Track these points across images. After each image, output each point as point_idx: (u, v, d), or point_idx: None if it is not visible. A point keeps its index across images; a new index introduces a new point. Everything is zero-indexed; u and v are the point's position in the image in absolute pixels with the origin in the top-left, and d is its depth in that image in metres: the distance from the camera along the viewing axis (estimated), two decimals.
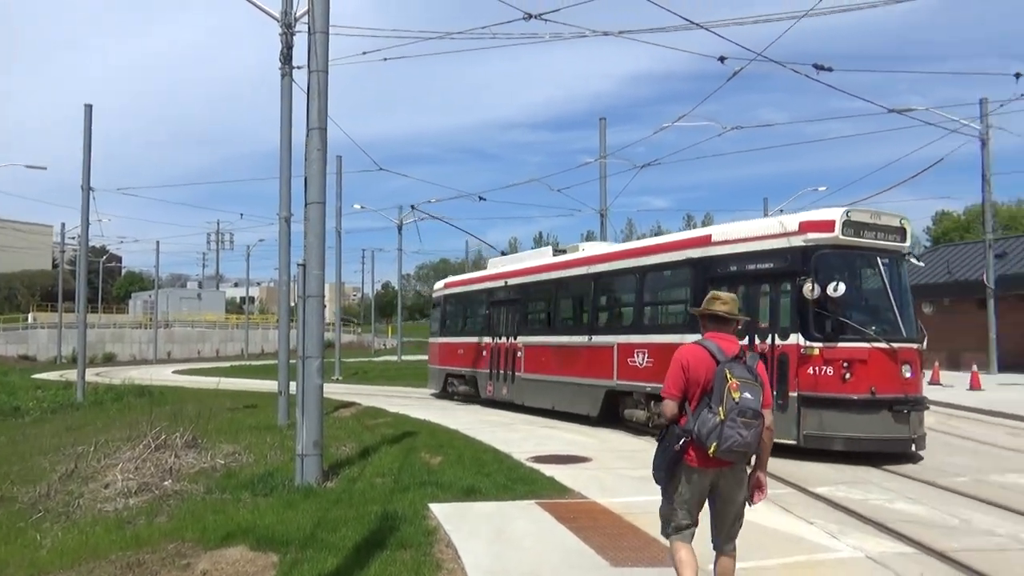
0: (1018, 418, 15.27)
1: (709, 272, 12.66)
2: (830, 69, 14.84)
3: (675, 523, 4.50)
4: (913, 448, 10.83)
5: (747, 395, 4.24)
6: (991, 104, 23.63)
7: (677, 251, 13.64)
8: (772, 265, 11.78)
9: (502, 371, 19.35)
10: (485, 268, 22.77)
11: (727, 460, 4.31)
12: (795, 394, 11.10)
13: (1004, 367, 26.87)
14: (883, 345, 10.84)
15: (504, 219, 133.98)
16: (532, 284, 18.44)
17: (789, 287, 11.59)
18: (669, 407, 4.47)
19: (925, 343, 11.51)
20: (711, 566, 4.69)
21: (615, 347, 14.78)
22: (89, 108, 23.63)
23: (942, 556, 6.20)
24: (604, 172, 26.33)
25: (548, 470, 9.91)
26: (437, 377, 23.26)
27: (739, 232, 12.47)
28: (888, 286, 11.41)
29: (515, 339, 18.80)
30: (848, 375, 10.80)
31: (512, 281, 19.38)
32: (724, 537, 4.56)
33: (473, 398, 20.92)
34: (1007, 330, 27.35)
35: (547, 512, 7.63)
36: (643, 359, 13.99)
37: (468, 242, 71.33)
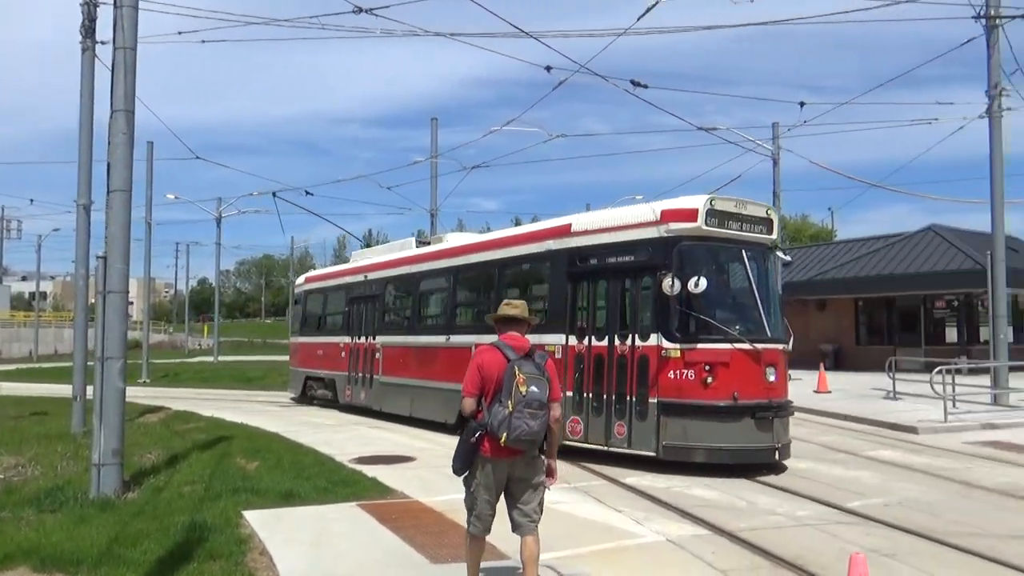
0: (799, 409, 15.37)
1: (570, 265, 11.47)
2: (646, 86, 15.51)
3: (476, 511, 4.89)
4: (777, 457, 9.97)
5: (533, 388, 4.71)
6: (781, 128, 25.40)
7: (536, 242, 12.39)
8: (632, 258, 10.69)
9: (361, 374, 17.71)
10: (348, 262, 21.02)
11: (518, 448, 4.73)
12: (655, 400, 10.05)
13: (790, 365, 27.70)
14: (746, 346, 9.92)
15: (333, 216, 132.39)
16: (391, 279, 16.86)
17: (650, 282, 10.55)
18: (468, 404, 4.87)
19: (791, 343, 10.71)
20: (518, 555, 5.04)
21: (473, 348, 13.44)
22: None
23: (731, 536, 6.90)
24: (435, 172, 26.79)
25: (371, 471, 9.68)
26: (297, 380, 21.32)
27: (599, 221, 11.32)
28: (753, 282, 10.52)
29: (374, 339, 17.20)
30: (710, 379, 9.83)
31: (371, 276, 17.73)
32: (525, 522, 4.89)
33: (333, 403, 19.16)
34: (793, 331, 28.53)
35: (368, 513, 7.57)
36: None
37: (293, 238, 67.51)
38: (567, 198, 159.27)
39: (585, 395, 10.99)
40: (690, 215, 10.26)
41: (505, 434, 4.63)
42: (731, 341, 9.89)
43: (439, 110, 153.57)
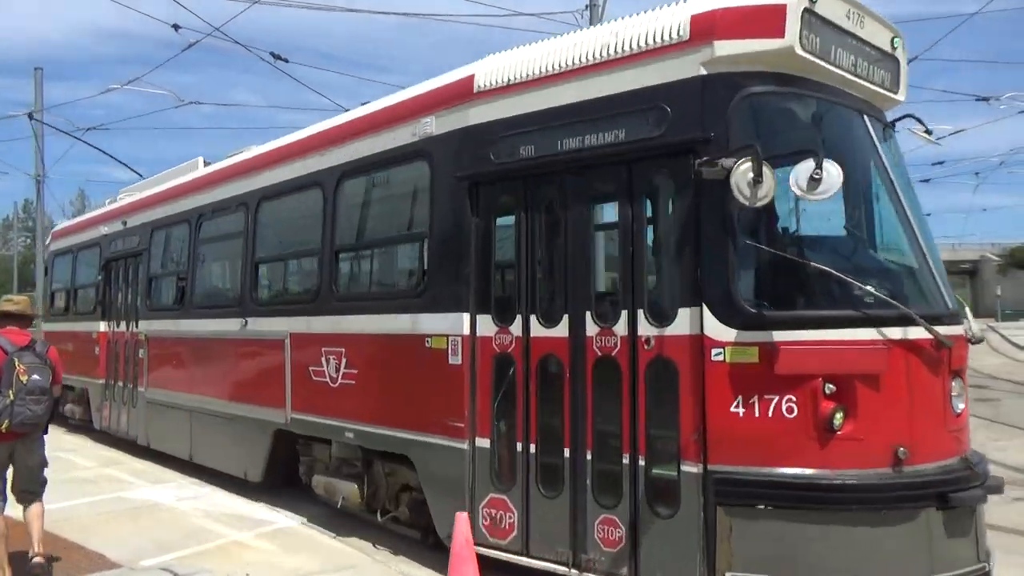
0: None
1: (474, 165, 5.33)
2: (286, 60, 13.96)
3: None
4: None
5: (36, 377, 5.08)
6: None
7: (400, 125, 6.03)
8: (621, 136, 4.61)
9: (121, 383, 10.83)
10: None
11: (21, 432, 5.08)
12: (697, 470, 4.15)
13: None
14: (915, 334, 4.14)
15: None
16: (160, 224, 10.00)
17: (668, 191, 4.61)
18: None
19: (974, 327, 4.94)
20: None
21: (288, 340, 7.05)
22: None
23: None
24: (41, 132, 22.52)
25: None
26: None
27: (539, 63, 5.12)
28: (897, 190, 4.73)
29: (137, 326, 10.34)
30: (838, 416, 3.98)
31: (134, 220, 10.77)
32: (28, 493, 5.31)
33: (88, 426, 12.14)
34: None
35: None
36: (340, 367, 6.42)
37: None
38: None
39: (517, 447, 4.97)
40: (770, 23, 4.29)
41: (8, 421, 4.95)
42: (879, 323, 4.09)
43: (50, 60, 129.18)
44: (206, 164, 9.85)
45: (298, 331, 6.97)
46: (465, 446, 5.24)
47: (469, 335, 5.29)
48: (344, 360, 6.36)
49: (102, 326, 11.49)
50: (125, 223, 10.94)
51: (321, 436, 6.78)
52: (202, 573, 5.32)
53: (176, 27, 13.19)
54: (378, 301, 6.19)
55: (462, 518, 4.51)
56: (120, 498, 7.76)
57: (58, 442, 11.30)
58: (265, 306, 7.68)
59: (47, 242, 15.29)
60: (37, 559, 5.09)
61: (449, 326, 5.39)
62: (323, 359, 6.58)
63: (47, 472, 5.47)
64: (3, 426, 4.92)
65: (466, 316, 5.31)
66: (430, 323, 5.55)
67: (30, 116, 16.48)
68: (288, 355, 7.06)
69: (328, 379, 6.53)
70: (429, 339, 5.54)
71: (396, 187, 6.34)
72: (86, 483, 8.47)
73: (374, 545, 6.27)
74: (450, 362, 5.36)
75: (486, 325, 5.24)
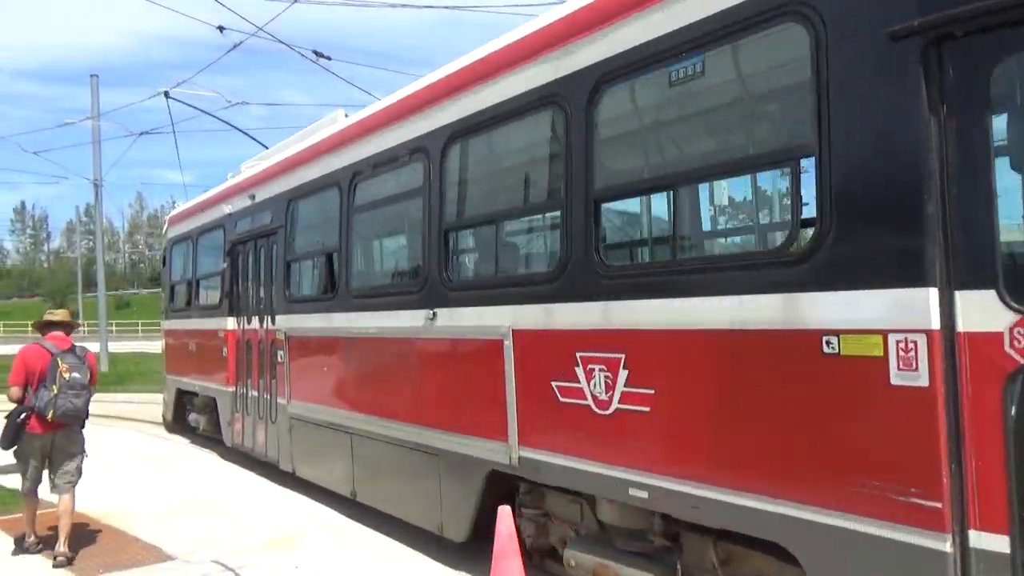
0: None
1: (937, 16, 2.72)
2: (329, 57, 13.50)
3: (28, 475, 5.83)
4: None
5: (75, 375, 5.72)
6: None
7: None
8: None
9: (256, 393, 8.87)
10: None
11: (64, 422, 5.71)
12: None
13: None
14: None
15: None
16: (301, 192, 7.88)
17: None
18: (16, 392, 5.71)
19: None
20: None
21: (507, 343, 4.71)
22: None
23: None
24: (98, 136, 23.77)
25: (7, 481, 7.84)
26: (170, 394, 12.36)
27: None
28: None
29: (273, 322, 8.31)
30: None
31: (264, 192, 8.74)
32: (63, 484, 5.81)
33: (219, 441, 10.34)
34: None
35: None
36: (618, 384, 3.99)
37: None
38: None
39: None
40: None
41: (52, 411, 5.59)
42: None
43: (105, 67, 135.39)
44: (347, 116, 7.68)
45: (528, 326, 4.59)
46: (946, 547, 2.70)
47: (941, 330, 2.74)
48: (626, 373, 3.92)
49: (230, 323, 9.60)
50: (253, 197, 8.94)
51: (575, 488, 4.40)
52: None
53: (221, 28, 13.10)
54: (706, 274, 3.68)
55: (504, 511, 4.12)
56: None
57: (188, 457, 9.50)
58: (467, 290, 5.35)
59: (164, 230, 13.72)
60: (60, 557, 5.63)
61: (889, 312, 2.85)
62: (581, 370, 4.18)
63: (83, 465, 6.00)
64: (49, 415, 5.60)
65: (932, 294, 2.75)
66: (836, 308, 3.03)
67: (166, 94, 14.91)
68: (511, 362, 4.70)
69: (592, 402, 4.12)
70: (834, 338, 3.01)
71: (740, 72, 3.80)
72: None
73: None
74: (895, 382, 2.83)
75: (984, 310, 2.68)
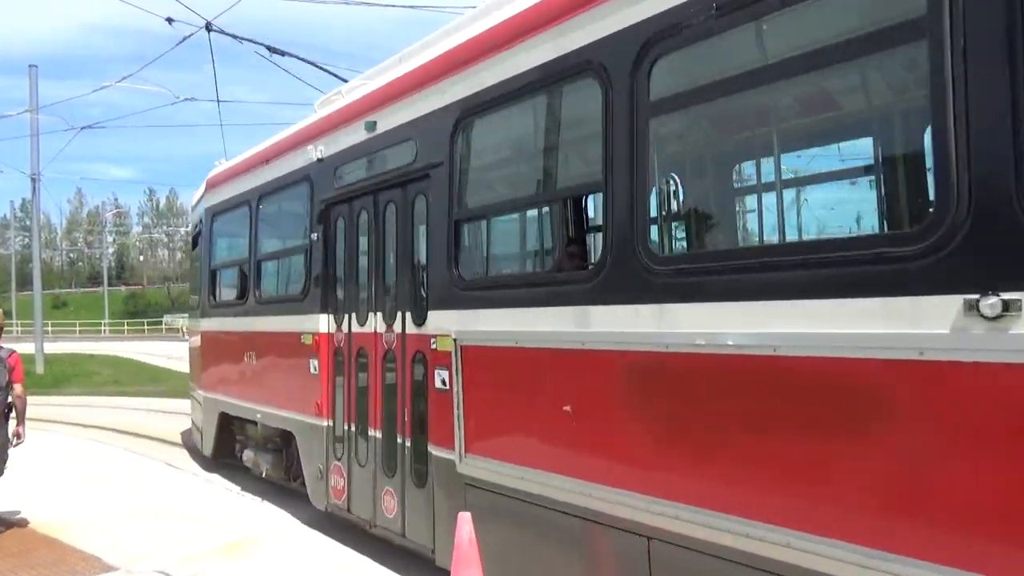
0: None
1: None
2: (283, 53, 12.63)
3: None
4: None
5: None
6: None
7: None
8: None
9: (375, 432, 5.66)
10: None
11: None
12: None
13: None
14: None
15: None
16: (489, 100, 4.62)
17: None
18: None
19: None
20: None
21: None
22: None
23: None
24: (36, 129, 23.16)
25: None
26: (208, 417, 9.10)
27: None
28: None
29: (416, 321, 5.11)
30: None
31: (394, 116, 5.49)
32: None
33: (287, 496, 7.16)
34: None
35: None
36: None
37: None
38: (212, 168, 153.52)
39: None
40: None
41: None
42: None
43: (45, 58, 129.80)
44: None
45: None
46: None
47: None
48: None
49: (321, 322, 6.39)
50: (373, 127, 5.71)
51: None
52: None
53: (169, 20, 12.65)
54: None
55: (464, 517, 3.97)
56: None
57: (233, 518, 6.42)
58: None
59: (195, 201, 10.44)
60: None
61: None
62: None
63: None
64: None
65: None
66: None
67: (207, 27, 11.94)
68: None
69: None
70: None
71: None
72: None
73: None
74: None
75: None
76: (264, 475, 7.68)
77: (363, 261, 6.01)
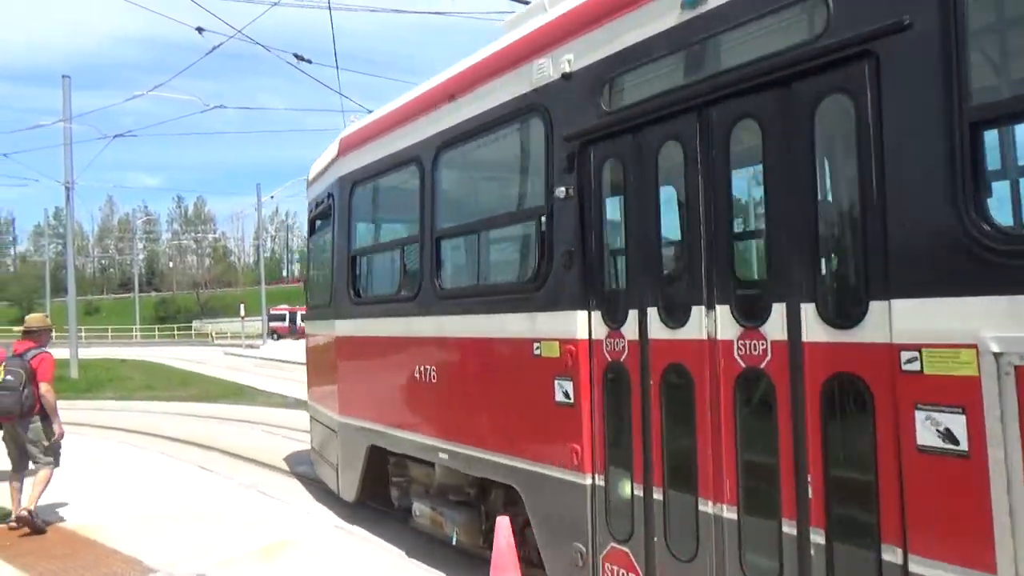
0: None
1: None
2: (309, 61, 13.16)
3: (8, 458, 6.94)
4: None
5: (8, 377, 6.59)
6: None
7: None
8: None
9: (706, 502, 3.34)
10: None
11: (4, 416, 6.71)
12: None
13: None
14: None
15: None
16: None
17: None
18: None
19: None
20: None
21: None
22: None
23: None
24: (69, 139, 23.40)
25: None
26: (351, 452, 6.91)
27: None
28: None
29: (899, 327, 2.77)
30: None
31: None
32: (33, 464, 6.86)
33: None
34: None
35: None
36: None
37: None
38: (234, 176, 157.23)
39: None
40: None
41: None
42: None
43: (81, 68, 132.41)
44: None
45: None
46: None
47: None
48: None
49: (578, 323, 4.12)
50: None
51: None
52: None
53: (200, 30, 12.93)
54: None
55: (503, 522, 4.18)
56: None
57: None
58: None
59: (316, 173, 8.27)
60: (23, 512, 6.64)
61: None
62: None
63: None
64: None
65: None
66: None
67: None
68: None
69: None
70: None
71: None
72: None
73: None
74: None
75: None
76: (454, 541, 5.46)
77: (672, 222, 3.73)
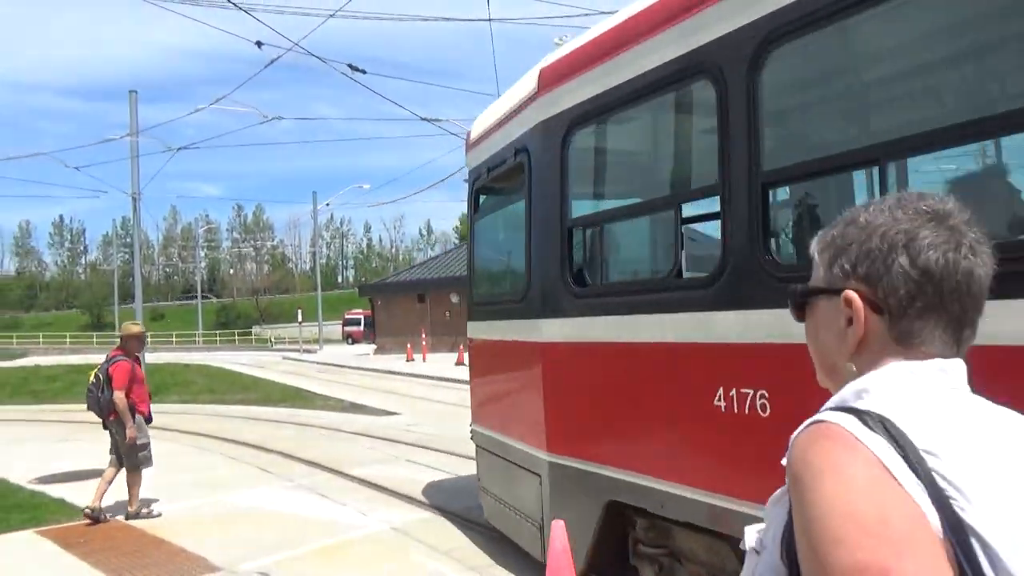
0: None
1: None
2: (363, 71, 13.51)
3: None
4: None
5: (93, 380, 7.28)
6: None
7: None
8: None
9: None
10: None
11: (97, 415, 7.38)
12: None
13: None
14: None
15: (13, 198, 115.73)
16: None
17: None
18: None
19: None
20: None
21: None
22: None
23: (454, 516, 6.94)
24: (136, 151, 23.65)
25: (56, 491, 8.69)
26: (575, 505, 4.81)
27: None
28: None
29: None
30: None
31: None
32: (120, 462, 7.46)
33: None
34: None
35: (50, 540, 6.82)
36: None
37: None
38: (292, 185, 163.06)
39: None
40: None
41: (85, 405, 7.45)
42: None
43: (145, 82, 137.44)
44: None
45: None
46: None
47: None
48: None
49: None
50: None
51: None
52: None
53: (259, 44, 13.11)
54: None
55: (558, 526, 4.26)
56: None
57: None
58: None
59: (494, 120, 6.22)
60: (87, 508, 7.18)
61: None
62: None
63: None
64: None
65: None
66: None
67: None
68: None
69: None
70: None
71: None
72: None
73: None
74: None
75: None
76: None
77: None
